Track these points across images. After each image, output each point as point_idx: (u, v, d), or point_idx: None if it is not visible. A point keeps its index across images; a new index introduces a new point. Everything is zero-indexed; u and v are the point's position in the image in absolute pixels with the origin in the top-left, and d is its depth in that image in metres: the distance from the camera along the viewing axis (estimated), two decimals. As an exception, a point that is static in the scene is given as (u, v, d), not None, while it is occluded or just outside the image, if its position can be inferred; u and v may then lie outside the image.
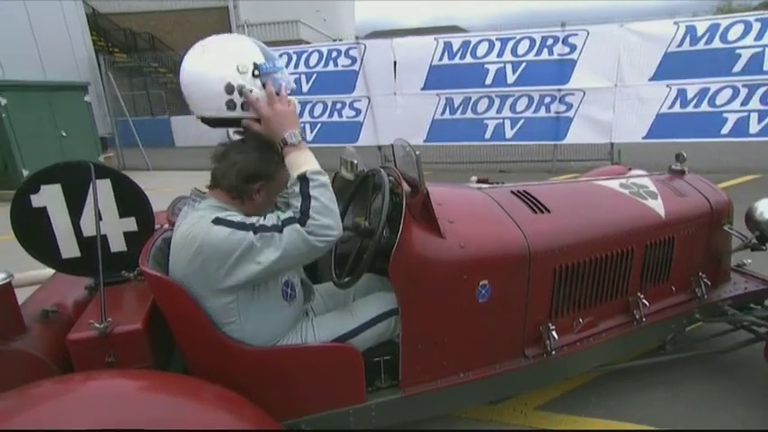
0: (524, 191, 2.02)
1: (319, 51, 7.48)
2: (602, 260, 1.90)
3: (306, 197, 1.25)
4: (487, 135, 7.20)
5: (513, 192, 2.01)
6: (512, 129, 7.13)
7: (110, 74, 8.78)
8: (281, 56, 7.68)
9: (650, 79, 6.31)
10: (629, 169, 2.90)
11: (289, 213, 1.25)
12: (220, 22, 16.43)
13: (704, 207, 2.18)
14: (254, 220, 1.26)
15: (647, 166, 4.67)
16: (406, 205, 1.51)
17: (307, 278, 1.66)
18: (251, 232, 1.22)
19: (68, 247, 1.59)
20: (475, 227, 1.71)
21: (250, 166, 1.33)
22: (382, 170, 1.64)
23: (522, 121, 7.07)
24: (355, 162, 1.91)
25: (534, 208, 1.88)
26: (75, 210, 1.57)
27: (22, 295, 1.67)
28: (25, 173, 6.75)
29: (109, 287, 1.60)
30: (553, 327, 1.80)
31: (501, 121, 7.11)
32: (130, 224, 1.65)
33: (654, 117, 6.45)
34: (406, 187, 1.58)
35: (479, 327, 1.70)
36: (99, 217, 1.56)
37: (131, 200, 1.64)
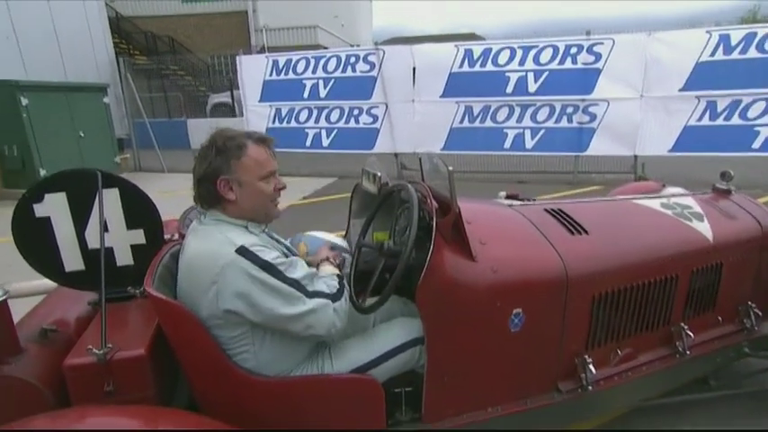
0: (559, 209, 1.87)
1: (338, 57, 7.42)
2: (644, 287, 1.74)
3: (342, 288, 1.37)
4: (507, 145, 7.03)
5: (547, 210, 1.86)
6: (532, 139, 6.95)
7: (129, 76, 8.83)
8: (299, 60, 7.73)
9: (679, 90, 6.09)
10: (664, 186, 2.73)
11: (322, 287, 1.31)
12: (240, 26, 16.58)
13: (755, 230, 2.00)
14: (282, 264, 1.22)
15: (674, 180, 4.46)
16: (437, 225, 1.38)
17: None
18: (279, 281, 1.19)
19: (72, 260, 1.49)
20: (508, 249, 1.57)
21: (199, 169, 1.27)
22: (410, 185, 1.51)
23: (543, 131, 6.89)
24: (379, 174, 1.78)
25: (571, 228, 1.73)
26: (80, 220, 1.47)
27: (22, 306, 1.58)
28: (42, 172, 6.77)
29: (113, 304, 1.50)
30: (590, 359, 1.64)
31: (521, 130, 6.95)
32: (138, 237, 1.55)
33: (681, 129, 6.22)
34: (434, 204, 1.45)
35: (510, 358, 1.55)
36: (105, 228, 1.46)
37: (140, 210, 1.53)
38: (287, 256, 1.36)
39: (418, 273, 1.37)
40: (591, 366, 1.62)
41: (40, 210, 1.43)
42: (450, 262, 1.40)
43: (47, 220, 1.44)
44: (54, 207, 1.44)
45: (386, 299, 1.37)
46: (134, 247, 1.55)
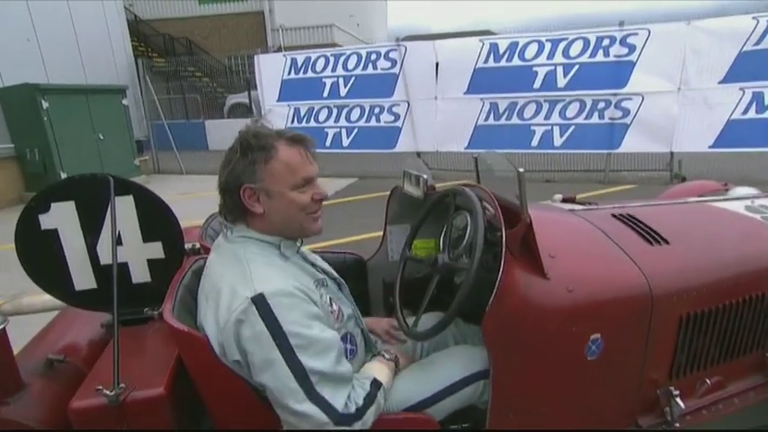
0: (629, 214, 1.63)
1: (358, 54, 7.22)
2: (738, 305, 1.49)
3: (369, 405, 1.03)
4: (534, 142, 6.74)
5: (615, 216, 1.63)
6: (561, 136, 6.65)
7: (147, 78, 8.79)
8: (318, 58, 7.55)
9: (720, 82, 5.73)
10: (726, 186, 2.45)
11: (336, 395, 0.99)
12: (256, 26, 16.54)
13: None
14: (303, 340, 0.97)
15: (715, 178, 4.15)
16: (506, 238, 1.16)
17: (365, 327, 1.33)
18: (284, 361, 0.95)
19: (83, 277, 1.31)
20: (582, 263, 1.34)
21: (222, 176, 1.09)
22: (467, 190, 1.29)
23: (573, 127, 6.59)
24: (424, 177, 1.57)
25: (648, 237, 1.49)
26: (91, 232, 1.29)
27: (28, 326, 1.41)
28: (63, 175, 6.74)
29: (127, 328, 1.32)
30: (676, 391, 1.40)
31: (549, 127, 6.65)
32: (156, 250, 1.36)
33: (724, 124, 5.85)
34: (499, 212, 1.23)
35: (585, 390, 1.33)
36: (118, 241, 1.28)
37: (158, 221, 1.35)
38: (323, 285, 1.16)
39: (479, 293, 1.16)
40: (678, 399, 1.39)
41: (46, 221, 1.25)
42: (522, 281, 1.18)
43: (54, 233, 1.26)
44: (62, 218, 1.26)
45: (446, 325, 1.16)
46: (151, 262, 1.37)
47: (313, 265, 1.24)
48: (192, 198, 6.73)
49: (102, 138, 7.51)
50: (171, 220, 1.36)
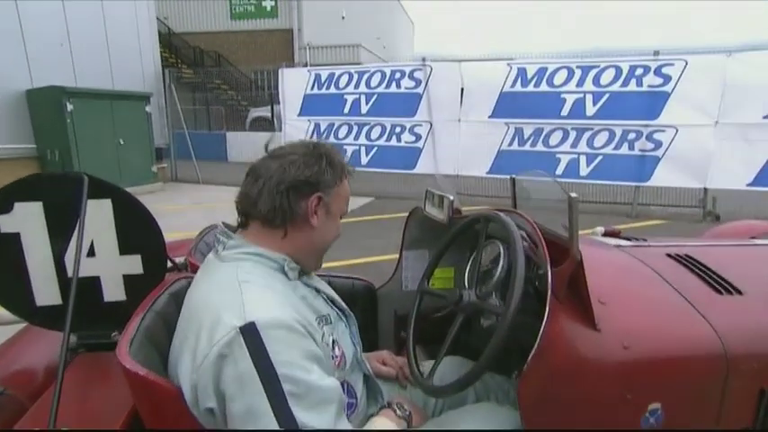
0: (687, 255, 1.39)
1: (382, 72, 7.14)
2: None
3: None
4: (559, 170, 6.48)
5: (671, 255, 1.38)
6: (587, 165, 6.39)
7: (173, 86, 8.87)
8: (341, 75, 7.50)
9: (764, 117, 5.43)
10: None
11: None
12: (284, 43, 16.81)
13: None
14: (296, 385, 0.77)
15: (752, 218, 3.83)
16: (552, 278, 0.93)
17: (371, 372, 1.11)
18: (270, 408, 0.74)
19: (46, 291, 1.13)
20: (639, 313, 1.10)
21: (298, 169, 0.93)
22: (503, 216, 1.07)
23: (601, 157, 6.32)
24: (451, 199, 1.36)
25: (714, 285, 1.25)
26: (59, 239, 1.11)
27: None
28: (80, 178, 6.72)
29: (91, 354, 1.12)
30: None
31: (576, 156, 6.40)
32: (134, 264, 1.17)
33: (765, 161, 5.52)
34: (543, 246, 1.01)
35: (637, 472, 1.07)
36: (90, 252, 1.10)
37: (139, 231, 1.16)
38: (327, 322, 0.95)
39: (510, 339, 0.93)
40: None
41: (7, 223, 1.07)
42: (568, 333, 0.95)
43: (15, 237, 1.08)
44: (26, 220, 1.08)
45: (470, 383, 0.93)
46: (128, 279, 1.18)
47: (317, 291, 1.03)
48: (203, 209, 6.63)
49: (122, 143, 7.53)
50: (153, 231, 1.17)
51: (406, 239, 1.71)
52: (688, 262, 1.34)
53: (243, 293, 0.81)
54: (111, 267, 1.15)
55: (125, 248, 1.15)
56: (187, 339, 0.81)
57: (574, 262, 0.96)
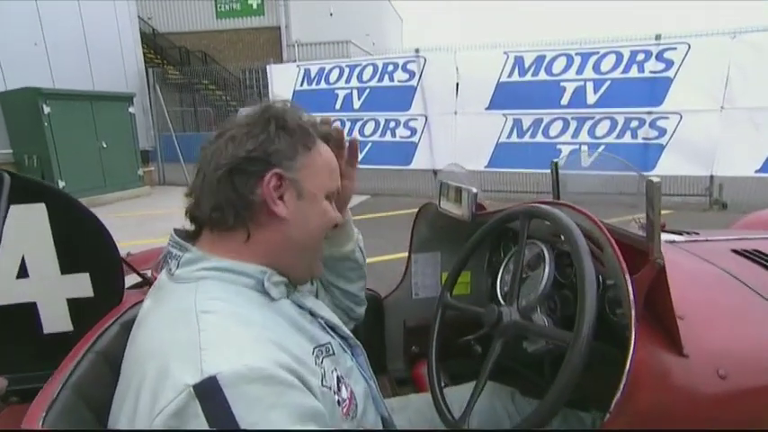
0: (756, 250, 1.16)
1: (374, 65, 6.88)
2: None
3: None
4: (560, 162, 6.26)
5: (738, 252, 1.16)
6: (590, 156, 6.17)
7: (157, 87, 8.55)
8: (332, 69, 7.23)
9: (772, 101, 5.25)
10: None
11: None
12: (272, 41, 16.47)
13: None
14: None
15: (761, 205, 3.65)
16: (633, 289, 0.70)
17: (389, 413, 0.87)
18: None
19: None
20: (726, 328, 0.87)
21: (239, 144, 0.68)
22: (557, 211, 0.84)
23: (603, 147, 6.11)
24: (474, 191, 1.12)
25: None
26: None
27: None
28: (61, 184, 6.43)
29: (26, 406, 0.87)
30: None
31: (577, 146, 6.19)
32: (81, 285, 0.92)
33: (774, 146, 5.35)
34: (615, 247, 0.77)
35: None
36: (21, 271, 0.85)
37: (85, 243, 0.91)
38: (328, 354, 0.72)
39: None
40: None
41: None
42: (654, 360, 0.72)
43: None
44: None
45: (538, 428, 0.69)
46: (74, 303, 0.93)
47: (312, 314, 0.78)
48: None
49: (105, 146, 7.22)
50: (104, 242, 0.92)
51: (414, 241, 1.48)
52: (760, 258, 1.12)
53: (201, 331, 0.56)
54: (51, 290, 0.90)
55: (68, 266, 0.91)
56: (125, 401, 0.57)
57: (654, 268, 0.72)
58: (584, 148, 5.98)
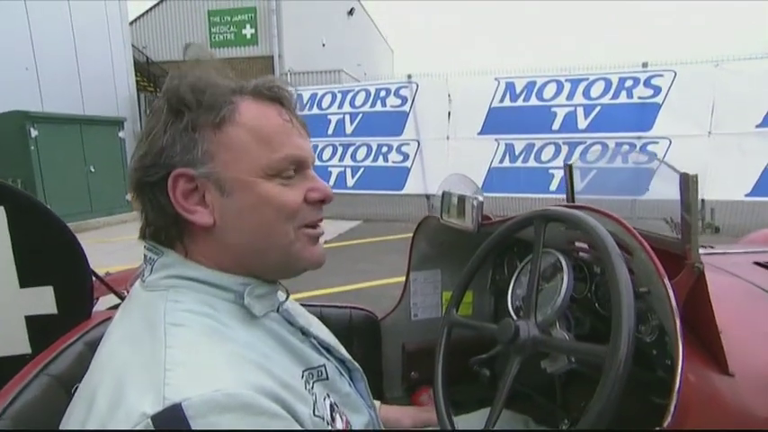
0: (779, 264, 1.09)
1: (366, 90, 6.94)
2: None
3: None
4: (553, 187, 6.28)
5: (761, 264, 1.09)
6: (582, 180, 6.19)
7: (149, 111, 8.54)
8: (324, 95, 7.28)
9: (757, 126, 5.34)
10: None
11: None
12: (265, 70, 16.70)
13: None
14: None
15: (752, 228, 3.63)
16: (676, 297, 0.61)
17: None
18: None
19: None
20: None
21: (136, 155, 0.57)
22: (576, 212, 0.76)
23: (595, 171, 6.14)
24: (480, 200, 1.04)
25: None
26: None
27: None
28: (45, 209, 6.27)
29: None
30: None
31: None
32: (43, 300, 0.82)
33: (762, 171, 5.40)
34: (649, 251, 0.69)
35: None
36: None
37: (49, 252, 0.81)
38: (320, 377, 0.62)
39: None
40: None
41: None
42: (699, 380, 0.63)
43: None
44: None
45: None
46: (33, 321, 0.82)
47: (304, 332, 0.68)
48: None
49: (93, 170, 7.11)
50: (72, 251, 0.82)
51: (413, 258, 1.39)
52: (785, 272, 1.05)
53: (167, 348, 0.47)
54: (7, 306, 0.80)
55: (29, 278, 0.80)
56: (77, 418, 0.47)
57: (693, 274, 0.64)
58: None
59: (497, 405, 0.74)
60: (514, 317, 0.90)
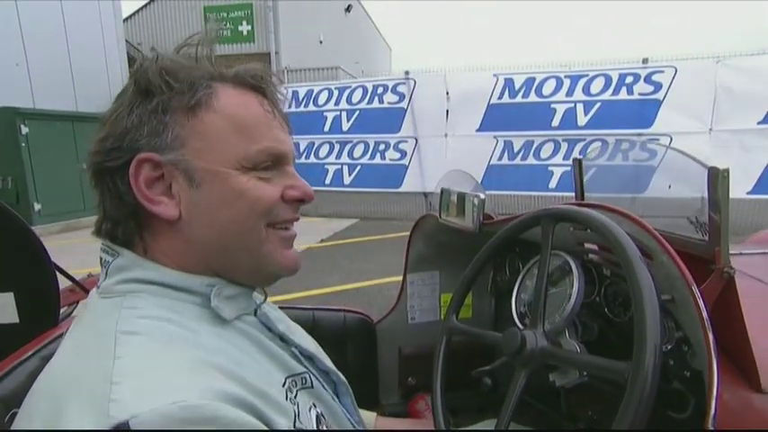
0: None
1: (364, 87, 6.86)
2: None
3: None
4: (552, 184, 6.22)
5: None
6: (586, 176, 6.14)
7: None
8: (321, 91, 7.20)
9: (759, 123, 5.28)
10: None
11: None
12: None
13: None
14: None
15: (754, 227, 3.58)
16: (705, 304, 0.55)
17: None
18: None
19: None
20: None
21: (96, 138, 0.52)
22: (588, 210, 0.69)
23: (595, 168, 6.08)
24: (482, 197, 0.98)
25: None
26: None
27: None
28: (37, 207, 6.19)
29: None
30: None
31: (569, 168, 6.15)
32: (3, 308, 0.74)
33: (764, 168, 5.35)
34: (673, 254, 0.62)
35: None
36: None
37: (12, 256, 0.74)
38: (304, 385, 0.57)
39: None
40: None
41: None
42: (731, 397, 0.56)
43: None
44: None
45: None
46: (-8, 332, 0.74)
47: (283, 339, 0.61)
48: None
49: (86, 168, 7.01)
50: (36, 255, 0.75)
51: (411, 259, 1.33)
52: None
53: (116, 359, 0.40)
54: (-38, 315, 0.72)
55: (-14, 284, 0.73)
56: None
57: (722, 279, 0.57)
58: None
59: (503, 421, 0.67)
60: (519, 324, 0.83)
